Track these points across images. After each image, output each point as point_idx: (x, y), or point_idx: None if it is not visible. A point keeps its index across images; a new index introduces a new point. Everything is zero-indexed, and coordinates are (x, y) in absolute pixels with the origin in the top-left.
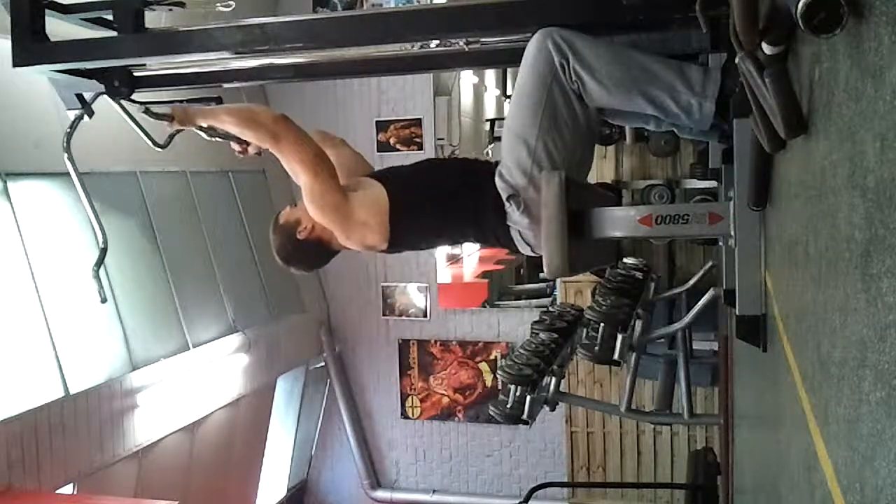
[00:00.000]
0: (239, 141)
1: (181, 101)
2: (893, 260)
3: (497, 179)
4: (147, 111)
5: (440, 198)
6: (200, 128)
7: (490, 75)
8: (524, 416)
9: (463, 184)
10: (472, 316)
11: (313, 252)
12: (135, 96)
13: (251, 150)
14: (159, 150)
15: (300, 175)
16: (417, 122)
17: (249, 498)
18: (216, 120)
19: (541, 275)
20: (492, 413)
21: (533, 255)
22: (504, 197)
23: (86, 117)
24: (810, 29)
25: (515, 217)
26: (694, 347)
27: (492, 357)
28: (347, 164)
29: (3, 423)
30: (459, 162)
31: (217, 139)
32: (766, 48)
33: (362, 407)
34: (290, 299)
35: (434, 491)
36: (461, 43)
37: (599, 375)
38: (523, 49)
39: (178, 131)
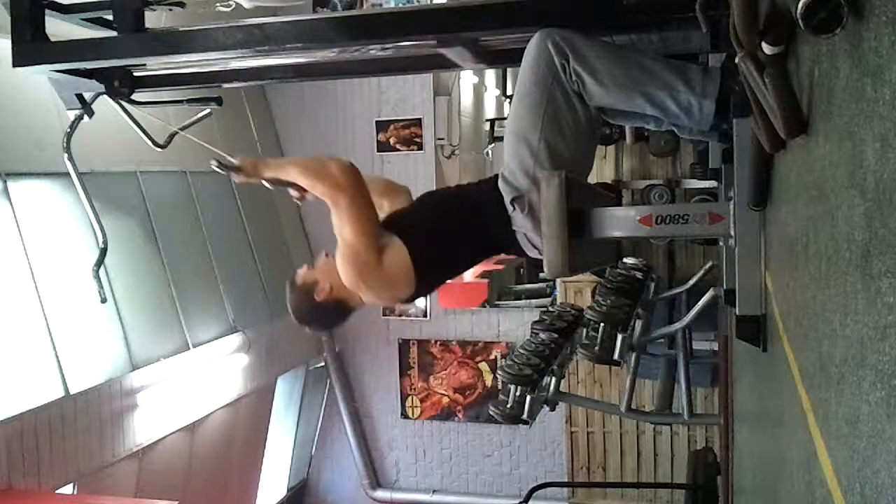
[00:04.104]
0: (298, 188)
1: (181, 102)
2: (893, 260)
3: (500, 183)
4: (219, 165)
5: (451, 232)
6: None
7: (490, 75)
8: (524, 416)
9: (466, 208)
10: (472, 316)
11: (332, 313)
12: (135, 96)
13: (309, 196)
14: (159, 150)
15: (346, 233)
16: (417, 122)
17: (249, 498)
18: (285, 173)
19: (541, 275)
20: (492, 413)
21: (540, 257)
22: (507, 200)
23: (86, 117)
24: (810, 29)
25: (520, 220)
26: (694, 347)
27: (492, 357)
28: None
29: (3, 423)
30: (454, 189)
31: (280, 188)
32: (766, 48)
33: (362, 407)
34: None
35: (434, 491)
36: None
37: (599, 375)
38: (523, 49)
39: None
